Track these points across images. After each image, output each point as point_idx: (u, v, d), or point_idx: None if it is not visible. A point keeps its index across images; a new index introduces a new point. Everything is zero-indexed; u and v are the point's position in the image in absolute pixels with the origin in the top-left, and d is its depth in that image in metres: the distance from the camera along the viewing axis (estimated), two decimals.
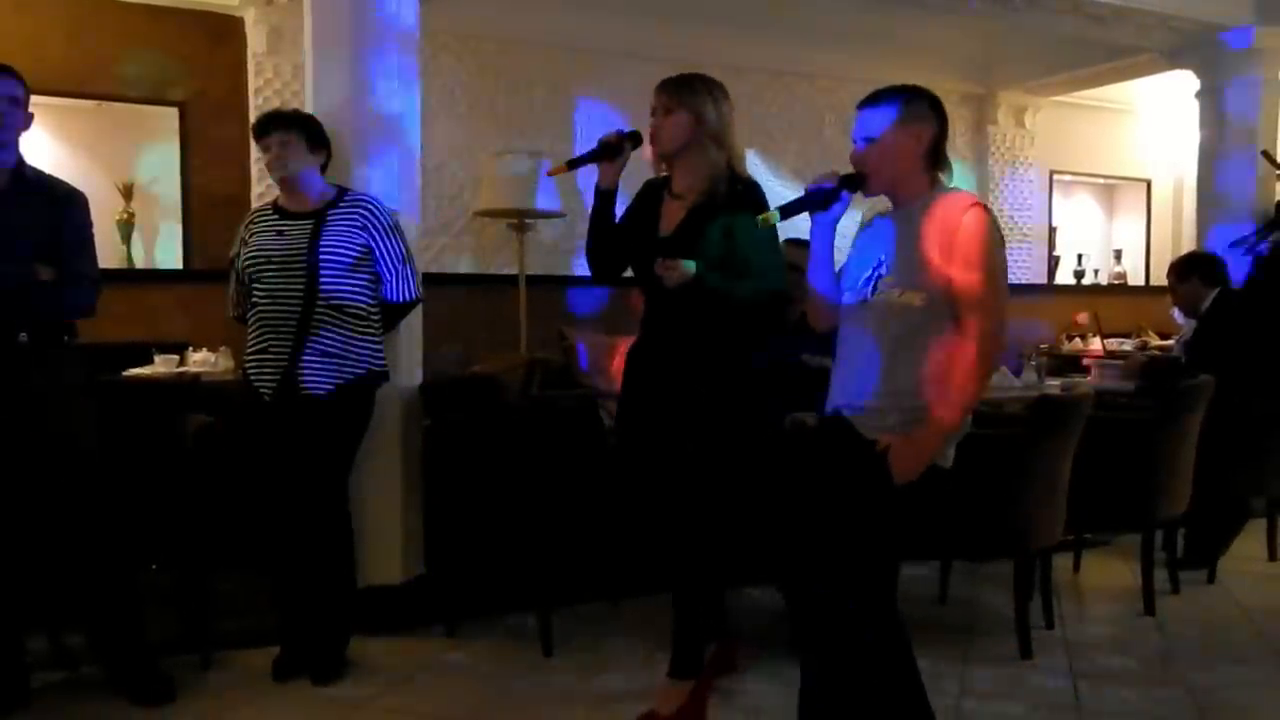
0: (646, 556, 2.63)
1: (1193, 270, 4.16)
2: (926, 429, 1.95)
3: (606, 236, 2.54)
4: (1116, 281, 7.38)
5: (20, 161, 2.57)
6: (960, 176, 6.78)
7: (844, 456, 2.03)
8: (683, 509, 2.44)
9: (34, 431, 2.52)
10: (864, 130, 2.07)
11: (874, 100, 2.09)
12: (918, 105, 2.08)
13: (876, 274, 2.05)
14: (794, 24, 5.62)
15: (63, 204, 2.61)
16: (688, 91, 2.44)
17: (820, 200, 2.09)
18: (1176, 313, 4.76)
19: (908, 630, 2.06)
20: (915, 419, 1.97)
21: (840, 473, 2.03)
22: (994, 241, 1.99)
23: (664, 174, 2.54)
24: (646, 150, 2.53)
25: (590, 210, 2.54)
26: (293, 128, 2.84)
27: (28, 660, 2.68)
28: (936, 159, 2.08)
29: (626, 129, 2.52)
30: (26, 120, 2.59)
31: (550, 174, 2.48)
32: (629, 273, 2.62)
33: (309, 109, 3.18)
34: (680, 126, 2.43)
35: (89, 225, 2.67)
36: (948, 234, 1.97)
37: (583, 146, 5.59)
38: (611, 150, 2.46)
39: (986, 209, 2.02)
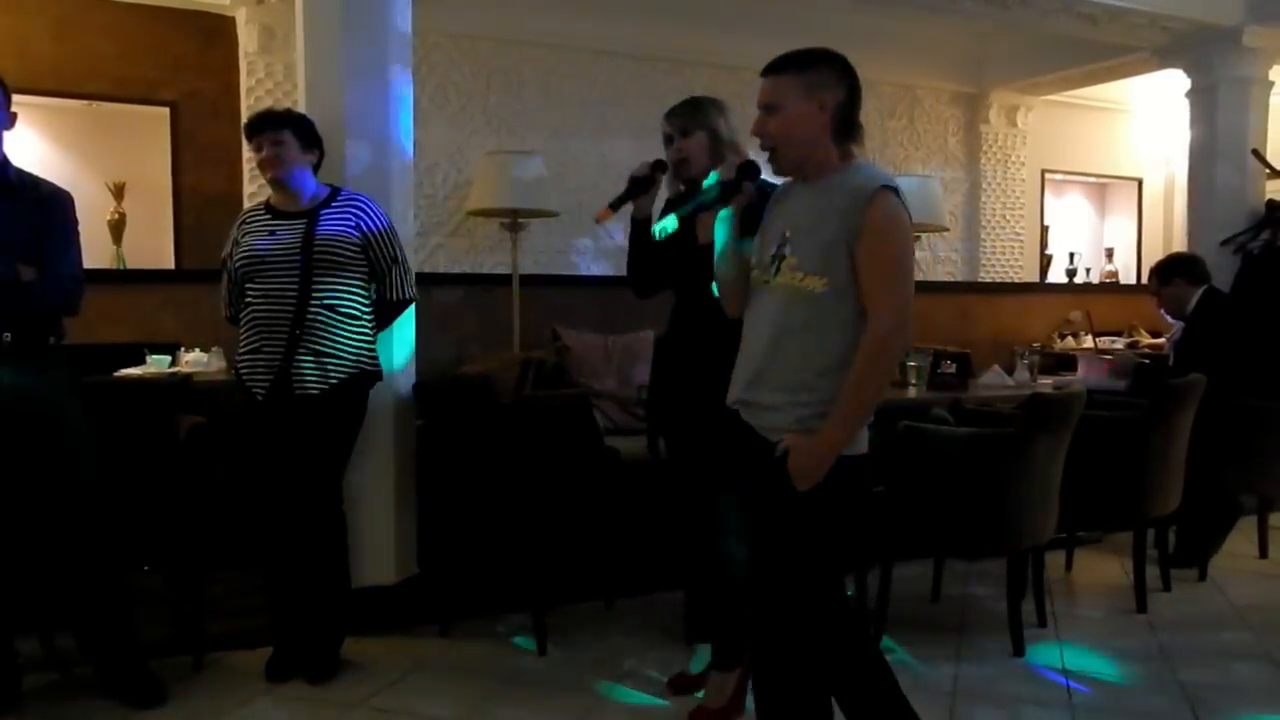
0: (683, 549, 2.69)
1: (1175, 272, 4.15)
2: (823, 432, 1.83)
3: (647, 259, 2.62)
4: (1108, 280, 7.40)
5: (4, 162, 2.55)
6: (953, 175, 6.85)
7: (748, 460, 1.95)
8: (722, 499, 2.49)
9: (20, 433, 2.51)
10: (765, 98, 1.93)
11: (775, 66, 1.93)
12: (821, 71, 1.91)
13: (780, 252, 1.92)
14: (787, 23, 5.61)
15: (47, 204, 2.59)
16: (698, 112, 2.55)
17: (723, 196, 2.02)
18: None
19: (865, 626, 2.05)
20: (814, 414, 1.85)
21: (748, 477, 1.96)
22: (899, 231, 1.86)
23: (682, 190, 2.61)
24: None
25: (629, 237, 2.63)
26: (285, 127, 2.84)
27: (19, 662, 2.67)
28: (847, 130, 1.93)
29: (651, 159, 2.60)
30: (9, 120, 2.58)
31: (598, 221, 2.59)
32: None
33: (302, 108, 3.17)
34: (702, 145, 2.52)
35: (74, 225, 2.65)
36: (854, 216, 1.84)
37: (578, 145, 5.65)
38: (644, 184, 2.55)
39: (896, 192, 1.88)
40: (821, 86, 1.91)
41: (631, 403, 4.19)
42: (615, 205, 2.53)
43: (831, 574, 1.97)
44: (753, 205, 2.13)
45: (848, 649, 1.99)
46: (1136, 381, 4.31)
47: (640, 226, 2.59)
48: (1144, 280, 7.10)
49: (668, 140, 2.56)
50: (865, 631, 2.04)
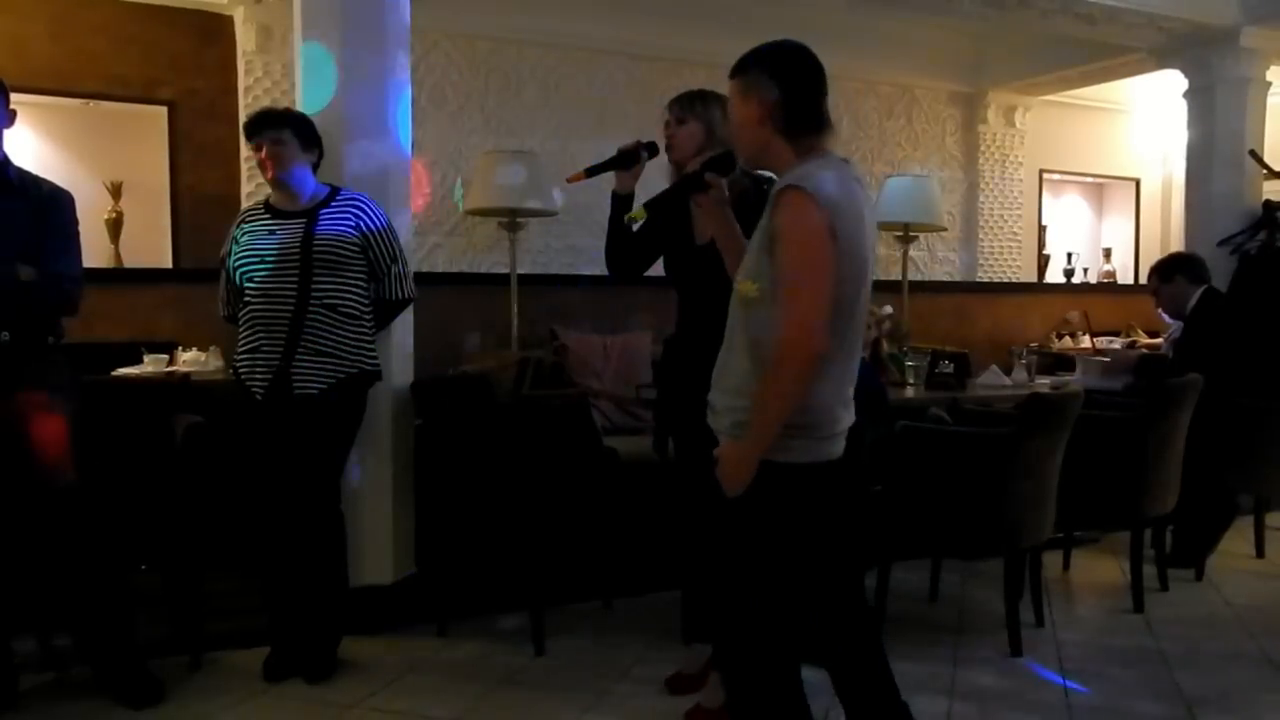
0: (682, 549, 2.71)
1: (1176, 271, 4.16)
2: (741, 439, 1.81)
3: (625, 240, 2.63)
4: (1106, 280, 7.41)
5: (4, 161, 2.55)
6: (951, 175, 6.86)
7: (705, 460, 1.94)
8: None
9: (19, 432, 2.50)
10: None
11: (731, 70, 1.93)
12: (753, 72, 1.88)
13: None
14: (785, 23, 5.59)
15: (48, 204, 2.59)
16: (699, 104, 2.56)
17: (691, 186, 2.04)
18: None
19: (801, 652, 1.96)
20: (747, 421, 1.81)
21: (704, 478, 1.95)
22: (800, 233, 1.76)
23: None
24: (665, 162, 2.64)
25: (609, 214, 2.64)
26: (285, 126, 2.84)
27: (16, 662, 2.67)
28: (796, 125, 1.86)
29: (645, 140, 2.62)
30: (9, 118, 2.57)
31: (569, 181, 2.62)
32: (648, 273, 2.74)
33: (299, 108, 3.17)
34: (693, 136, 2.53)
35: (73, 224, 2.65)
36: (768, 218, 1.82)
37: (575, 145, 5.65)
38: (628, 158, 2.58)
39: (804, 190, 1.77)
40: (754, 87, 1.88)
41: (629, 403, 4.19)
42: (591, 171, 2.55)
43: (775, 584, 1.91)
44: (746, 199, 2.12)
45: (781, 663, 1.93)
46: (1140, 374, 4.32)
47: (620, 203, 2.61)
48: (1142, 280, 7.12)
49: (666, 126, 2.59)
50: (797, 657, 1.97)
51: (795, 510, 1.87)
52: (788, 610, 1.93)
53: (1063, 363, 5.55)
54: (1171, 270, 4.17)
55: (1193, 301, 4.08)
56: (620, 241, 2.64)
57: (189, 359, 3.83)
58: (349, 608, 2.98)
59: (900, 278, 5.52)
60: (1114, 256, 7.58)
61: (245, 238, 2.85)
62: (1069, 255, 7.30)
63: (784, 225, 1.78)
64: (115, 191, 5.01)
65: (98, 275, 3.71)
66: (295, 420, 2.77)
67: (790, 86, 1.87)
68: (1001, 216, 6.98)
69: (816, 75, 1.91)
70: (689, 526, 2.62)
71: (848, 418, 1.94)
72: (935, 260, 6.77)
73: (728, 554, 1.91)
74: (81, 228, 2.70)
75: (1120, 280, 7.43)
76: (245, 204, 4.55)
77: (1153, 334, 6.25)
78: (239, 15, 4.97)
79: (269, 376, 2.77)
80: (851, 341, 1.90)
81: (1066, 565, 3.99)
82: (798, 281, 1.76)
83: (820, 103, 1.91)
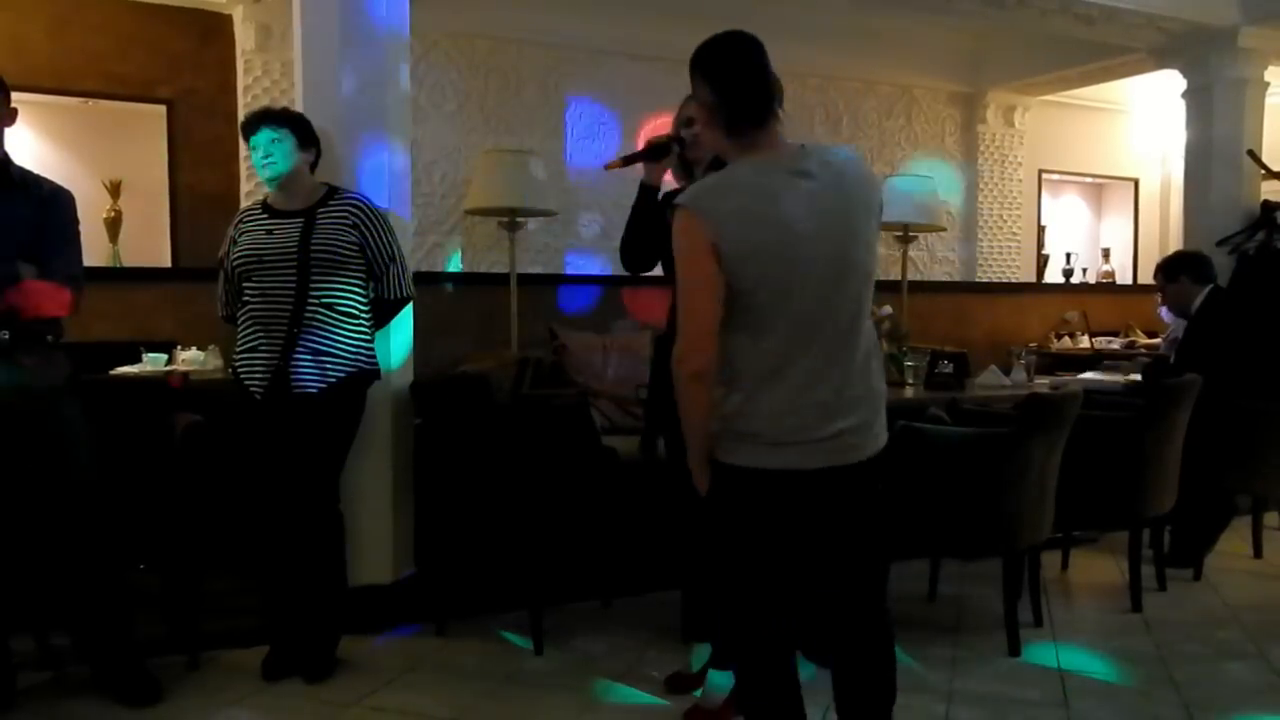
0: (681, 548, 2.74)
1: (1181, 269, 4.16)
2: None
3: (646, 230, 2.65)
4: (1104, 280, 7.42)
5: (6, 159, 2.55)
6: (950, 176, 6.86)
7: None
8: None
9: (18, 431, 2.50)
10: None
11: None
12: (694, 75, 1.91)
13: None
14: (783, 22, 5.60)
15: (49, 202, 2.59)
16: None
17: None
18: (1164, 311, 4.78)
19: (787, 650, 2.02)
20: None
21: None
22: (680, 247, 1.81)
23: (684, 186, 2.63)
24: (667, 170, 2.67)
25: (633, 204, 2.67)
26: (282, 126, 2.83)
27: (14, 661, 2.67)
28: (734, 124, 1.86)
29: (673, 134, 2.65)
30: (10, 116, 2.57)
31: (606, 169, 2.73)
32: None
33: (299, 107, 3.16)
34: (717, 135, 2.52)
35: (74, 223, 2.65)
36: None
37: (574, 145, 5.64)
38: (660, 151, 2.61)
39: (684, 206, 1.81)
40: (696, 91, 1.92)
41: (629, 402, 4.19)
42: (626, 160, 2.63)
43: (734, 577, 1.98)
44: None
45: (756, 660, 1.99)
46: (1147, 377, 4.33)
47: (645, 194, 2.64)
48: (1140, 281, 7.14)
49: (688, 123, 2.57)
50: (785, 655, 2.01)
51: (740, 510, 1.93)
52: (755, 601, 1.97)
53: (1060, 362, 5.56)
54: (1176, 269, 4.17)
55: (1198, 301, 4.07)
56: (640, 232, 2.65)
57: (188, 358, 3.83)
58: (348, 607, 2.98)
59: (900, 278, 5.53)
60: (1113, 257, 7.59)
61: (243, 238, 2.85)
62: (1068, 255, 7.30)
63: (673, 242, 1.84)
64: (114, 190, 5.01)
65: (96, 274, 3.71)
66: (294, 420, 2.77)
67: (722, 86, 1.86)
68: (1000, 216, 6.98)
69: (748, 69, 1.87)
70: (685, 526, 2.63)
71: (827, 427, 1.87)
72: (934, 260, 6.77)
73: (701, 547, 2.04)
74: (81, 227, 2.70)
75: (1119, 280, 7.43)
76: (244, 203, 4.55)
77: (1151, 334, 6.27)
78: (238, 14, 4.97)
79: (268, 376, 2.77)
80: (802, 349, 1.84)
81: (1065, 565, 3.99)
82: (680, 298, 1.85)
83: (755, 97, 1.86)
